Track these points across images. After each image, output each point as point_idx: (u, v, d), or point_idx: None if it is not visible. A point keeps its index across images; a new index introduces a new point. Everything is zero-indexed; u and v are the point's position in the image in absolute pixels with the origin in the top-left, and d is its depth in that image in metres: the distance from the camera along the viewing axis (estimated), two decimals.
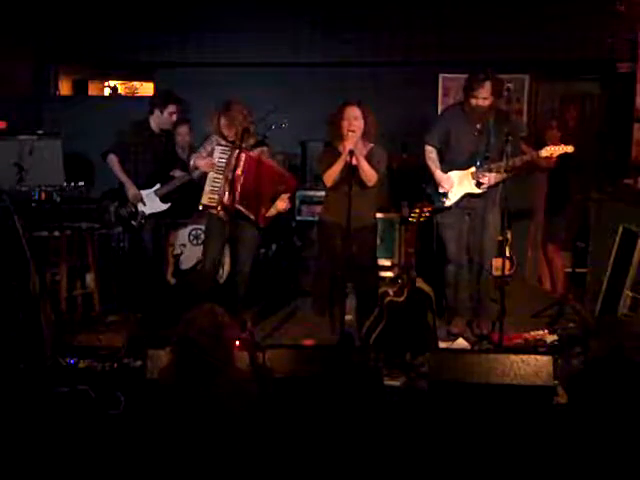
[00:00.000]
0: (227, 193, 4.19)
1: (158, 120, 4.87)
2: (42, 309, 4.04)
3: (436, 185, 4.46)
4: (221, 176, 4.27)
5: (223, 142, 4.31)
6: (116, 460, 2.77)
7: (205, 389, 2.35)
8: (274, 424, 2.61)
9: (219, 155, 4.29)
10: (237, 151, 4.18)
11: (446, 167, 4.45)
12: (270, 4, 6.10)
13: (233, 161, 4.16)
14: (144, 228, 4.88)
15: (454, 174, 4.41)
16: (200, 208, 4.36)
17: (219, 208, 4.24)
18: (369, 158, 4.14)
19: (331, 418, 3.15)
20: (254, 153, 4.27)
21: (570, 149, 4.18)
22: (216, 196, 4.27)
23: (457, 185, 4.41)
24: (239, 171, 4.14)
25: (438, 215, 4.47)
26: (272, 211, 4.38)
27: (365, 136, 4.16)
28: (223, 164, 4.27)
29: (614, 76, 6.15)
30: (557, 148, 4.19)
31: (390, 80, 6.25)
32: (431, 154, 4.46)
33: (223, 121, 4.26)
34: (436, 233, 4.63)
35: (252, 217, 4.30)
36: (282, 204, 4.37)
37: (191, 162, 4.51)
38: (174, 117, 4.89)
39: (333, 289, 4.32)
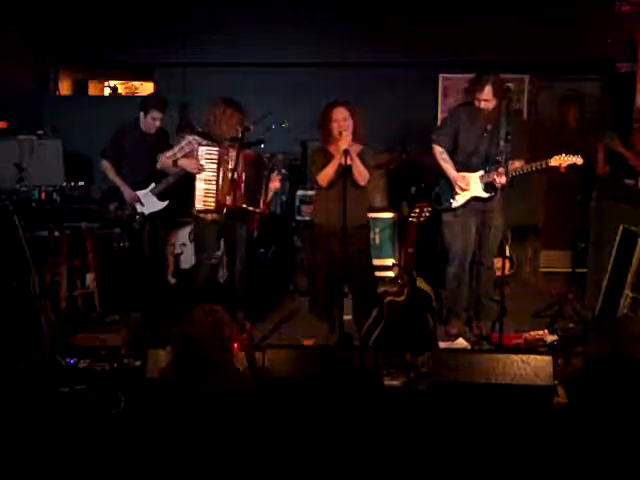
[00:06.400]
0: (228, 196, 4.13)
1: (144, 122, 4.85)
2: (42, 309, 4.03)
3: (445, 185, 4.44)
4: (213, 178, 4.19)
5: (205, 142, 4.23)
6: (116, 460, 2.77)
7: (205, 389, 2.36)
8: (273, 424, 2.61)
9: (205, 156, 4.20)
10: (231, 150, 4.13)
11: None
12: (270, 4, 6.09)
13: (229, 160, 4.13)
14: (143, 229, 4.87)
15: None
16: (195, 213, 4.29)
17: (223, 210, 4.18)
18: (360, 158, 4.13)
19: (331, 418, 3.15)
20: (239, 148, 4.17)
21: (579, 160, 4.16)
22: (212, 199, 4.20)
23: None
24: (237, 169, 4.08)
25: (446, 214, 4.45)
26: (269, 194, 4.39)
27: (354, 136, 4.13)
28: (212, 166, 4.19)
29: (614, 76, 6.15)
30: (566, 158, 4.16)
31: (390, 80, 6.25)
32: (443, 154, 4.41)
33: (228, 113, 4.21)
34: (442, 233, 4.58)
35: (256, 210, 4.28)
36: (275, 184, 4.39)
37: (165, 160, 4.35)
38: (157, 123, 4.85)
39: (330, 290, 4.32)
